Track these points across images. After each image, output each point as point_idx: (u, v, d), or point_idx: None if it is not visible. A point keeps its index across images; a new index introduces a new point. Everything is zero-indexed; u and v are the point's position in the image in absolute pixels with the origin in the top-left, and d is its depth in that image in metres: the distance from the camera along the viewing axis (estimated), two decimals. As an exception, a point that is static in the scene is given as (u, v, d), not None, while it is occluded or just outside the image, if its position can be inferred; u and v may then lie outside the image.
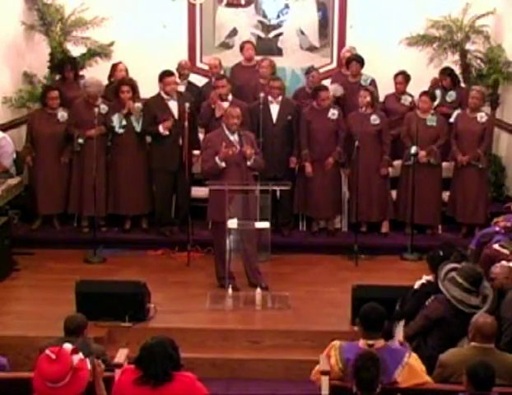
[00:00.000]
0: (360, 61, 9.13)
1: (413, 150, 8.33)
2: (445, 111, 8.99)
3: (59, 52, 9.59)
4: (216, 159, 7.17)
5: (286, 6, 10.27)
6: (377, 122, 8.54)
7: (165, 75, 8.40)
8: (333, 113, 8.49)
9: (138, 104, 8.50)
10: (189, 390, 4.45)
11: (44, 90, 8.84)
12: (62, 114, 8.63)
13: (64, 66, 9.19)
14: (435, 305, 5.58)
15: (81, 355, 4.50)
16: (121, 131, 8.51)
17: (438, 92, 9.12)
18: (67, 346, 4.49)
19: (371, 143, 8.53)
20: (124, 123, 8.49)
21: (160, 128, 8.32)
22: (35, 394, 4.48)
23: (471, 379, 4.39)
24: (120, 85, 8.60)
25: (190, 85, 9.30)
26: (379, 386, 4.40)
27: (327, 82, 9.64)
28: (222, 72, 9.30)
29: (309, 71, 9.23)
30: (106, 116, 8.51)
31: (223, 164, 7.18)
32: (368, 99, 8.47)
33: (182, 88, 8.89)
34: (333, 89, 8.94)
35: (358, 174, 8.48)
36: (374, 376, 4.37)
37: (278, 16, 10.29)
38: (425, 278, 5.97)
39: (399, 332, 5.55)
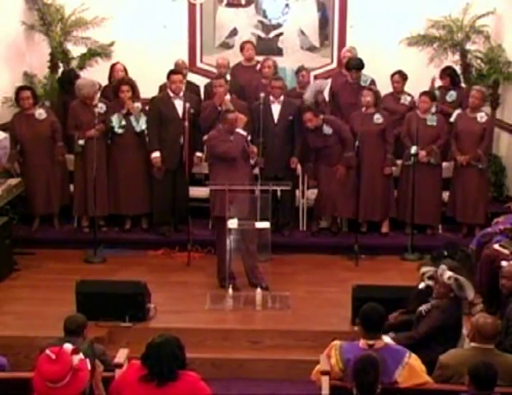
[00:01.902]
0: (360, 68, 9.06)
1: (413, 150, 8.33)
2: (446, 110, 8.99)
3: (59, 52, 9.59)
4: (240, 130, 7.26)
5: (287, 6, 10.26)
6: (380, 121, 8.54)
7: (171, 73, 8.47)
8: (328, 130, 8.41)
9: (138, 104, 8.50)
10: (192, 389, 4.45)
11: (16, 90, 8.75)
12: (39, 112, 8.59)
13: (68, 80, 9.22)
14: (437, 315, 5.54)
15: (81, 356, 4.50)
16: (120, 131, 8.51)
17: (437, 92, 9.11)
18: (68, 347, 4.49)
19: (374, 142, 8.54)
20: (124, 123, 8.48)
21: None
22: (35, 394, 4.47)
23: (473, 379, 4.39)
24: (120, 85, 8.60)
25: (189, 84, 9.29)
26: (379, 387, 4.40)
27: (327, 82, 9.65)
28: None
29: (298, 70, 9.25)
30: (105, 115, 8.51)
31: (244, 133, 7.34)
32: (371, 98, 8.48)
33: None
34: (318, 84, 8.92)
35: (360, 174, 8.51)
36: (374, 379, 4.37)
37: (278, 16, 10.28)
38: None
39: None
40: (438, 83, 9.27)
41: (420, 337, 5.49)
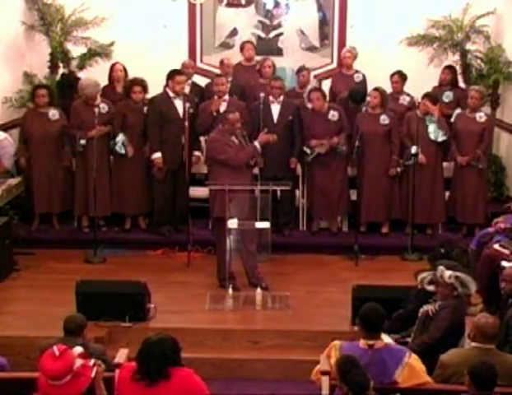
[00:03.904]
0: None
1: (413, 150, 8.32)
2: (445, 111, 8.99)
3: (59, 52, 9.59)
4: (257, 144, 7.30)
5: (287, 6, 10.26)
6: (386, 122, 8.54)
7: (175, 73, 8.43)
8: (333, 115, 8.49)
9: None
10: (186, 384, 4.45)
11: (33, 88, 8.84)
12: (53, 113, 8.63)
13: (68, 84, 9.23)
14: (447, 315, 5.51)
15: (87, 362, 4.49)
16: (122, 151, 8.50)
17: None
18: (77, 349, 4.50)
19: (380, 143, 8.55)
20: (126, 142, 8.49)
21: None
22: (39, 392, 4.49)
23: (473, 380, 4.39)
24: (132, 85, 8.58)
25: (194, 85, 9.28)
26: (371, 383, 4.38)
27: (327, 82, 9.67)
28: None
29: (299, 70, 9.25)
30: (107, 115, 8.52)
31: (260, 149, 7.36)
32: (378, 99, 8.49)
33: (186, 88, 8.86)
34: (312, 84, 8.94)
35: (364, 174, 8.52)
36: (361, 376, 4.35)
37: (278, 16, 10.27)
38: None
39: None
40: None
41: (434, 341, 5.44)
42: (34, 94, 8.69)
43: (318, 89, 8.63)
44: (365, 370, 4.40)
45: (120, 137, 8.47)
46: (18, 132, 8.92)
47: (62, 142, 8.68)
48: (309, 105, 8.59)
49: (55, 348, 4.43)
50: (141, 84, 8.58)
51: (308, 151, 8.45)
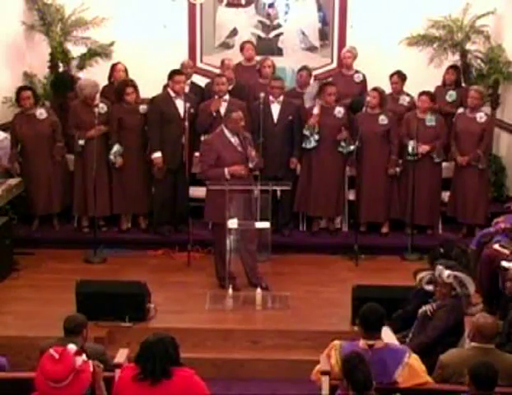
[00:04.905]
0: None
1: (410, 145, 8.31)
2: (449, 110, 8.99)
3: (59, 52, 9.58)
4: (226, 172, 7.15)
5: (287, 7, 10.26)
6: (385, 122, 8.53)
7: (175, 73, 8.45)
8: (339, 111, 8.50)
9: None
10: (187, 384, 4.46)
11: (16, 91, 8.76)
12: (40, 112, 8.59)
13: (63, 83, 9.22)
14: (445, 315, 5.52)
15: (84, 357, 4.49)
16: (117, 159, 8.50)
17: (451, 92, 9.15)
18: (72, 347, 4.50)
19: (379, 143, 8.54)
20: (121, 150, 8.49)
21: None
22: (37, 393, 4.48)
23: (473, 380, 4.39)
24: (125, 86, 8.57)
25: (193, 85, 9.28)
26: (373, 384, 4.38)
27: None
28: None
29: (300, 70, 9.25)
30: (106, 115, 8.52)
31: (228, 177, 7.17)
32: (376, 99, 8.48)
33: (186, 88, 8.86)
34: (310, 92, 8.91)
35: (363, 174, 8.52)
36: (366, 374, 4.36)
37: (278, 16, 10.27)
38: None
39: (385, 333, 5.50)
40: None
41: (432, 341, 5.45)
42: (18, 97, 8.61)
43: (334, 84, 8.62)
44: (370, 370, 4.40)
45: (116, 148, 8.46)
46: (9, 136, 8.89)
47: (53, 139, 8.64)
48: (308, 105, 8.59)
49: (53, 351, 4.41)
50: (133, 84, 8.59)
51: (307, 132, 8.39)
